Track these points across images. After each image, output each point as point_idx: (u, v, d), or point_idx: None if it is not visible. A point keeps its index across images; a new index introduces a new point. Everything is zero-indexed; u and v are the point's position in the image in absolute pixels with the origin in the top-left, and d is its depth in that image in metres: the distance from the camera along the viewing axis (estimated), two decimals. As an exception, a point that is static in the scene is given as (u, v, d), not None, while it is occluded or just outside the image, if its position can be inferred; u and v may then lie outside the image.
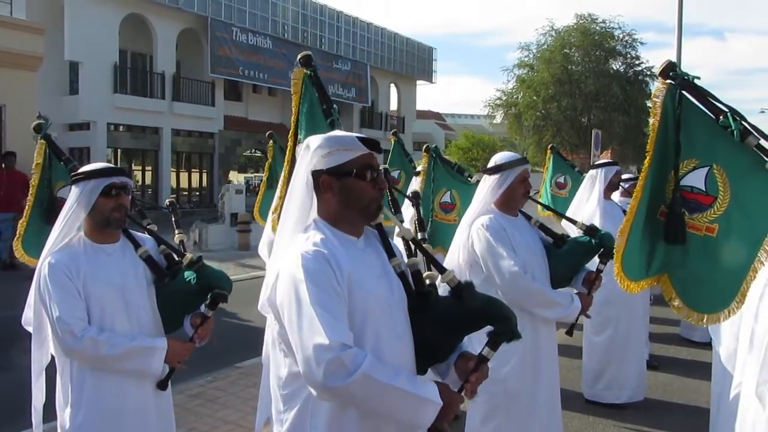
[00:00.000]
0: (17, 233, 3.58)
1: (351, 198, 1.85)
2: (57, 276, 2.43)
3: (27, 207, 3.58)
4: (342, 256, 1.79)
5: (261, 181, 8.32)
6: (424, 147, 5.12)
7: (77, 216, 2.53)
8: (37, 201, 3.54)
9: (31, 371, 2.69)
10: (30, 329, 2.66)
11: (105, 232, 2.58)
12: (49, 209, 3.47)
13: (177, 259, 2.70)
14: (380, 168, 1.95)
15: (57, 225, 2.54)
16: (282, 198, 2.40)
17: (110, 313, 2.48)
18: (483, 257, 3.15)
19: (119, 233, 2.64)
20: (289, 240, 1.88)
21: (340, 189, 1.85)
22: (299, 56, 3.04)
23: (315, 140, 1.88)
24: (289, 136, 3.06)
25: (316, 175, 1.85)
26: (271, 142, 6.64)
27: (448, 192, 4.98)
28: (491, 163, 3.29)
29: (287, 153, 3.09)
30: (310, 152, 1.86)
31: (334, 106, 3.02)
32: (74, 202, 2.51)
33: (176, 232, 3.12)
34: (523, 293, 3.06)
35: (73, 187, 2.56)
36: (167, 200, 3.57)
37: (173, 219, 3.26)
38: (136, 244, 2.65)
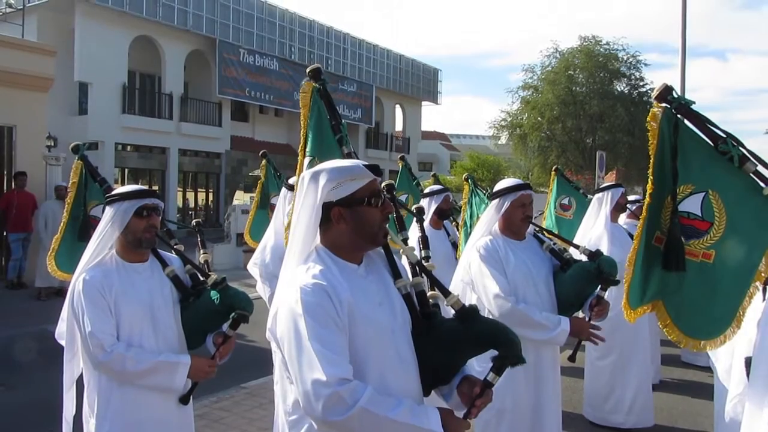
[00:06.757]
0: (51, 249, 3.65)
1: (362, 225, 1.86)
2: (91, 292, 2.53)
3: (62, 224, 3.66)
4: (342, 286, 1.80)
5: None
6: (464, 176, 5.13)
7: (111, 235, 2.63)
8: (72, 218, 3.63)
9: (63, 383, 2.77)
10: (63, 343, 2.74)
11: (136, 252, 2.68)
12: (82, 227, 3.56)
13: (202, 279, 2.78)
14: (383, 187, 1.99)
15: (91, 243, 2.64)
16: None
17: (138, 330, 2.57)
18: (474, 278, 3.27)
19: (148, 253, 2.74)
20: (293, 271, 1.88)
21: (352, 218, 1.86)
22: (308, 69, 2.97)
23: (322, 174, 1.86)
24: (299, 150, 3.00)
25: (326, 207, 1.85)
26: (264, 161, 6.54)
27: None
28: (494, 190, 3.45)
29: (298, 168, 3.01)
30: (319, 185, 1.84)
31: (343, 122, 2.97)
32: (108, 222, 2.61)
33: (202, 252, 3.18)
34: (505, 314, 3.09)
35: (107, 207, 2.66)
36: (194, 221, 3.65)
37: (199, 239, 3.33)
38: (164, 264, 2.75)
